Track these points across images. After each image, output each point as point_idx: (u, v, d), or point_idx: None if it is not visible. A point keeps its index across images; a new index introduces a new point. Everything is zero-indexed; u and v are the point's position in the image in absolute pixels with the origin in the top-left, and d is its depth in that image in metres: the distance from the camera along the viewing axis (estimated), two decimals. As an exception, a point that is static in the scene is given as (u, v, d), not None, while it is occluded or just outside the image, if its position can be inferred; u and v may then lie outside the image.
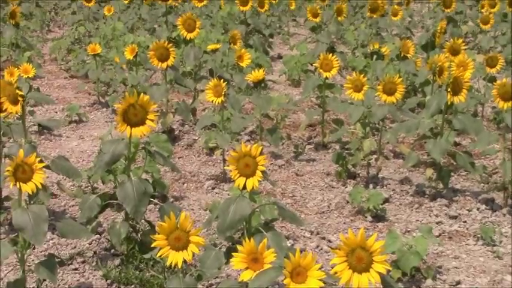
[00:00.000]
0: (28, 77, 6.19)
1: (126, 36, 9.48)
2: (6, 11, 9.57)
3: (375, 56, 6.60)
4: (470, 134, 4.72)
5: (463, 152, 4.98)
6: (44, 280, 3.62)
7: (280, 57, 10.84)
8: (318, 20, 8.51)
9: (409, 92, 7.00)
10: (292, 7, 13.51)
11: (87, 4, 11.32)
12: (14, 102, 3.82)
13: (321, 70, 5.76)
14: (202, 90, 6.32)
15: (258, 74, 5.39)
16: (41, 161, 3.16)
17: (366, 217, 4.70)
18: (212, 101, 5.22)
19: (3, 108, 3.79)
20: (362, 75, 5.21)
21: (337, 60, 5.73)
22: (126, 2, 12.26)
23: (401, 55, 6.63)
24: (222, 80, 5.25)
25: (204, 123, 5.67)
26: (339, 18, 8.37)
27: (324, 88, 6.06)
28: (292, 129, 6.78)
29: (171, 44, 5.83)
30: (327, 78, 5.85)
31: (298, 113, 7.45)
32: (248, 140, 6.43)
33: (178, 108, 6.34)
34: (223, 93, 5.14)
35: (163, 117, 6.35)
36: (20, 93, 3.82)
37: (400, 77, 5.13)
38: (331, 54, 5.78)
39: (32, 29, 11.89)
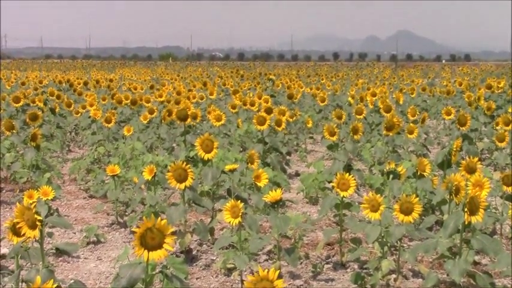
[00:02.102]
0: (47, 199, 6.24)
1: (145, 156, 9.59)
2: (28, 133, 9.75)
3: (391, 175, 6.63)
4: (489, 255, 4.68)
5: (482, 272, 4.93)
6: None
7: (297, 174, 10.92)
8: (335, 138, 8.59)
9: (426, 210, 6.99)
10: (309, 125, 13.69)
11: (107, 125, 11.53)
12: (32, 226, 3.85)
13: (338, 189, 5.78)
14: (220, 210, 6.34)
15: (275, 195, 5.41)
16: (58, 287, 3.16)
17: None
18: (230, 222, 5.23)
19: (22, 233, 3.82)
20: (378, 195, 5.22)
21: (353, 180, 5.76)
22: (145, 122, 12.47)
23: (418, 173, 6.67)
24: (239, 200, 5.28)
25: (222, 244, 5.65)
26: (355, 137, 8.46)
27: (341, 207, 6.07)
28: (310, 248, 6.75)
29: (189, 165, 5.89)
30: (344, 197, 5.87)
31: (316, 231, 7.44)
32: (266, 260, 6.40)
33: (196, 228, 6.35)
34: (240, 214, 5.16)
35: (181, 237, 6.36)
36: (39, 217, 3.86)
37: (417, 195, 5.15)
38: (347, 174, 5.81)
39: (53, 150, 12.07)
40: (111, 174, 7.64)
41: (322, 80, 30.42)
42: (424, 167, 6.65)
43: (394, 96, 16.29)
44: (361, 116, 11.18)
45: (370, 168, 10.27)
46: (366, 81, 28.05)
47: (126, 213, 7.98)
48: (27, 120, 10.10)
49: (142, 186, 7.89)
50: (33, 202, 4.69)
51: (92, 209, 8.62)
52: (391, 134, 8.79)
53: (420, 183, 6.72)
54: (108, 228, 7.70)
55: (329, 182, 8.53)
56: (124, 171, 8.88)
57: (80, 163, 10.23)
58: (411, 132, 9.50)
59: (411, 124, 9.83)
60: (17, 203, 3.93)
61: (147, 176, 6.88)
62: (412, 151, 11.25)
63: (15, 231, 3.91)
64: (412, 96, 19.25)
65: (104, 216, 8.30)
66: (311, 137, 15.27)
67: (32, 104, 13.55)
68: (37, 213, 3.93)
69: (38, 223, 3.89)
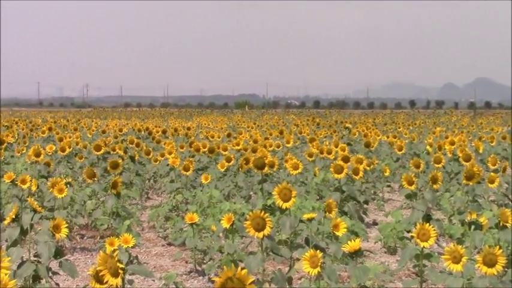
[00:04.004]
0: (128, 246, 6.32)
1: (223, 204, 9.65)
2: (108, 181, 9.94)
3: (472, 226, 6.51)
4: None
5: None
6: None
7: (375, 223, 10.83)
8: (413, 187, 8.49)
9: (510, 262, 6.80)
10: (387, 173, 13.57)
11: (185, 173, 11.66)
12: (115, 274, 3.91)
13: (417, 240, 5.70)
14: (298, 259, 6.32)
15: (354, 245, 5.38)
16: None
17: None
18: (308, 272, 5.21)
19: (105, 281, 3.88)
20: (460, 247, 5.13)
21: (434, 230, 5.67)
22: (223, 170, 12.55)
23: (501, 224, 6.51)
24: (317, 250, 5.26)
25: (301, 294, 5.62)
26: (434, 186, 8.34)
27: (421, 258, 5.97)
28: (390, 300, 6.66)
29: (267, 214, 5.89)
30: (424, 247, 5.78)
31: (395, 282, 7.33)
32: (345, 311, 6.32)
33: (275, 277, 6.31)
34: (319, 264, 5.14)
35: (259, 286, 6.34)
36: (121, 266, 3.92)
37: (500, 247, 5.03)
38: (428, 224, 5.72)
39: (132, 197, 12.25)
40: (189, 222, 7.72)
41: (399, 128, 30.23)
42: (506, 217, 6.48)
43: (473, 144, 16.07)
44: (440, 165, 11.05)
45: (450, 218, 10.11)
46: (444, 129, 27.73)
47: (204, 261, 8.02)
48: (108, 168, 10.30)
49: (221, 234, 7.93)
50: (115, 250, 4.77)
51: (171, 257, 8.69)
52: (471, 183, 8.64)
53: (503, 234, 6.54)
54: (187, 276, 7.75)
55: (408, 232, 8.43)
56: (202, 219, 8.94)
57: (159, 210, 10.35)
58: (492, 182, 9.32)
59: (492, 173, 9.65)
60: (100, 251, 4.01)
61: (225, 224, 6.91)
62: (492, 201, 11.04)
63: (98, 278, 3.98)
64: (492, 144, 18.92)
65: (182, 264, 8.36)
66: (388, 186, 15.13)
67: (112, 152, 13.81)
68: (119, 261, 4.00)
69: (120, 271, 3.95)
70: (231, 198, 11.58)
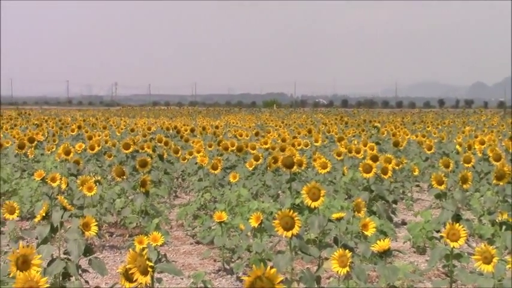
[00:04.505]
0: (157, 245, 6.34)
1: (251, 203, 9.65)
2: (137, 179, 9.97)
3: (503, 226, 6.45)
4: None
5: None
6: None
7: (404, 223, 10.77)
8: (443, 187, 8.43)
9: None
10: (416, 173, 13.50)
11: (213, 171, 11.67)
12: (144, 272, 3.93)
13: (447, 240, 5.66)
14: (327, 258, 6.30)
15: (383, 244, 5.35)
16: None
17: None
18: (337, 272, 5.19)
19: (134, 279, 3.89)
20: (491, 247, 5.08)
21: (464, 230, 5.63)
22: (251, 168, 12.55)
23: (532, 224, 6.46)
24: (346, 249, 5.24)
25: (329, 293, 5.60)
26: (464, 186, 8.27)
27: (451, 258, 5.93)
28: (419, 300, 6.62)
29: (296, 213, 5.88)
30: (454, 248, 5.74)
31: (424, 282, 7.30)
32: (373, 311, 6.29)
33: (303, 276, 6.30)
34: (348, 263, 5.12)
35: (287, 285, 6.33)
36: (150, 264, 3.93)
37: (531, 248, 4.98)
38: (457, 224, 5.68)
39: (160, 196, 12.29)
40: (218, 220, 7.72)
41: (428, 127, 30.04)
42: (537, 218, 6.44)
43: (503, 144, 15.91)
44: (470, 165, 10.95)
45: (480, 218, 10.03)
46: (473, 129, 27.50)
47: (233, 260, 8.03)
48: (137, 166, 10.32)
49: (249, 233, 7.94)
50: (144, 248, 4.78)
51: (199, 255, 8.71)
52: (501, 183, 8.55)
53: (534, 235, 6.50)
54: (215, 275, 7.76)
55: (437, 232, 8.38)
56: (230, 218, 8.94)
57: (187, 209, 10.36)
58: (523, 182, 9.22)
59: (523, 173, 9.55)
60: (130, 249, 4.02)
61: (253, 223, 6.90)
62: (523, 201, 10.93)
63: (128, 276, 3.99)
64: (523, 144, 18.72)
65: (210, 262, 8.37)
66: (417, 185, 15.05)
67: (141, 151, 13.84)
68: (148, 259, 4.01)
69: (149, 269, 3.96)
70: (259, 197, 11.58)
